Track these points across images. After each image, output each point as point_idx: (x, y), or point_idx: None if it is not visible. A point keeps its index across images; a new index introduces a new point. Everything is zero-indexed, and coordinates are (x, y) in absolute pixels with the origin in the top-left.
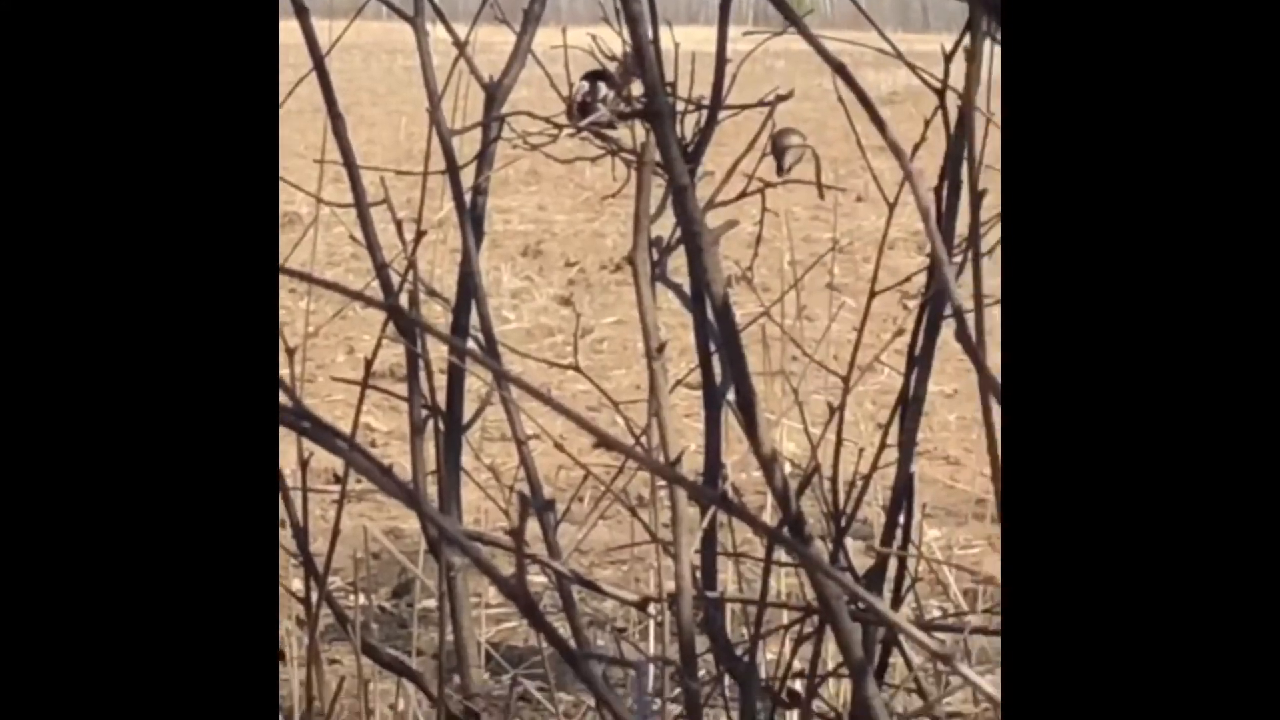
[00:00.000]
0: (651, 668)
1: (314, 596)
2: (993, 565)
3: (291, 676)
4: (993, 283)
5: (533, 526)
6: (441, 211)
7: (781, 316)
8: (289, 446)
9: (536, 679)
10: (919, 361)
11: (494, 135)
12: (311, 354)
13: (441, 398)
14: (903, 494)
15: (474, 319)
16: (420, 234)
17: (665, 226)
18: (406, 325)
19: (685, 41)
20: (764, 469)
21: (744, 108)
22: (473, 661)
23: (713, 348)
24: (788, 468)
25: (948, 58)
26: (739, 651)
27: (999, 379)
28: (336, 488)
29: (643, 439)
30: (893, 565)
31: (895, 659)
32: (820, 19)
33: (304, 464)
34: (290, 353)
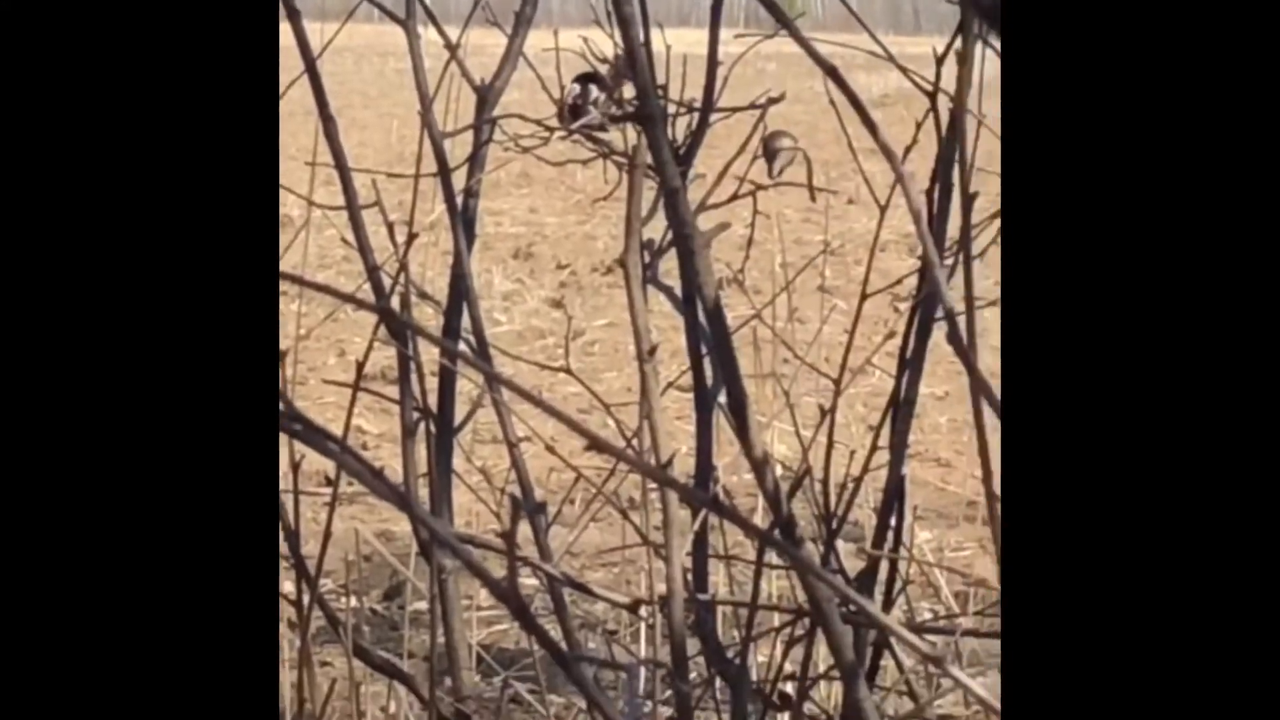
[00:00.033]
0: (643, 670)
1: (305, 599)
2: (984, 568)
3: (283, 679)
4: (984, 285)
5: (524, 529)
6: (433, 214)
7: (773, 319)
8: (281, 449)
9: (528, 681)
10: (910, 364)
11: (485, 138)
12: (303, 356)
13: (433, 400)
14: (894, 496)
15: (465, 321)
16: (412, 237)
17: (657, 229)
18: (398, 328)
19: (677, 44)
20: (755, 471)
21: (735, 110)
22: (464, 664)
23: (704, 350)
24: (779, 470)
25: (939, 60)
26: (730, 654)
27: (990, 382)
28: (328, 490)
29: (634, 441)
30: (884, 567)
31: (886, 661)
32: (811, 21)
33: (296, 466)
34: (282, 355)
